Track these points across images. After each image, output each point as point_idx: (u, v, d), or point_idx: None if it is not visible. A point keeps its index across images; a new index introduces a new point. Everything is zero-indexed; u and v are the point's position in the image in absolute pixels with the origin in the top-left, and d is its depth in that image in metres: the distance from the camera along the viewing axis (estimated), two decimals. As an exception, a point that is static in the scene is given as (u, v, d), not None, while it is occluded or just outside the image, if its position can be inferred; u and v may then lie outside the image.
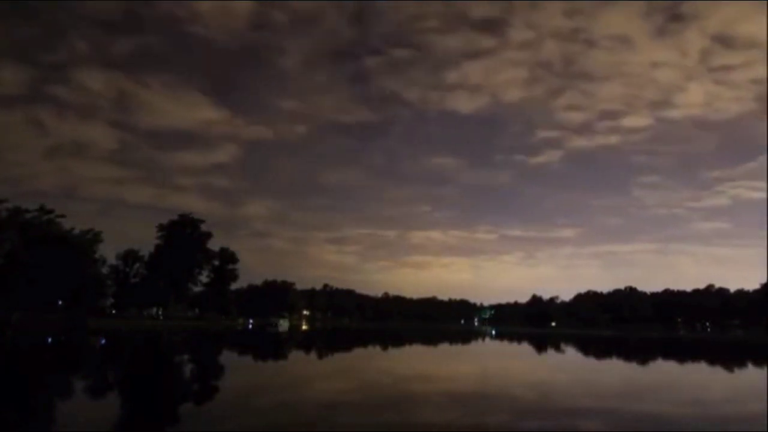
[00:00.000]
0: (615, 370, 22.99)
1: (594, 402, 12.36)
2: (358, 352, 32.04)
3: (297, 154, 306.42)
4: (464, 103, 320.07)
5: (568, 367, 24.21)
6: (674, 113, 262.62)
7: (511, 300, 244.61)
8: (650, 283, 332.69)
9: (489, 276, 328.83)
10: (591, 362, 28.14)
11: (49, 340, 34.62)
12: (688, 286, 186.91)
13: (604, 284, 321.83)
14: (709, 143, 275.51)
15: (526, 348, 41.47)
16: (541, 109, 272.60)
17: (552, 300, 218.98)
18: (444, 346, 40.95)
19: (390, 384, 15.44)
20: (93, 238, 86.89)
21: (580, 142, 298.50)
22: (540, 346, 42.91)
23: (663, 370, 24.06)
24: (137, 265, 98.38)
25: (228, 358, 26.61)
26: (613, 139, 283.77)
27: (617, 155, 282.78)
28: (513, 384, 16.48)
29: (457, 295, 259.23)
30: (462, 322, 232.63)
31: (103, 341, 35.82)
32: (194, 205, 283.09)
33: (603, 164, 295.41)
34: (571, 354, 35.08)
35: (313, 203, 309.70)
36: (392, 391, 13.70)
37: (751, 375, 21.14)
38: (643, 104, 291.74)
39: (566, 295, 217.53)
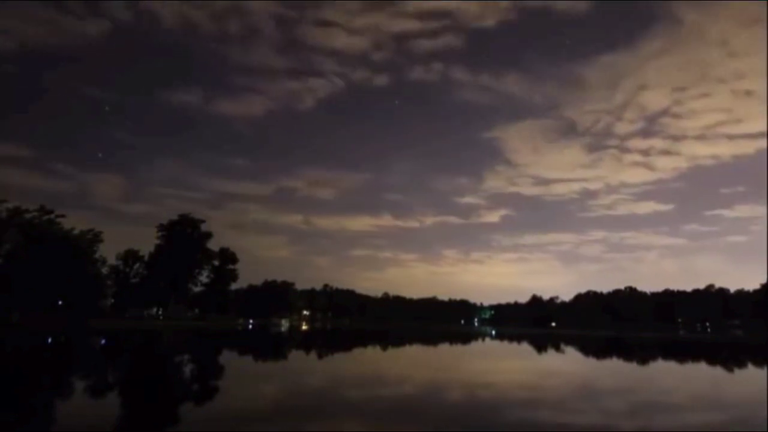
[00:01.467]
0: (603, 373, 23.00)
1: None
2: (357, 353, 32.04)
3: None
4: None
5: (558, 368, 24.24)
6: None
7: (511, 300, 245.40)
8: (650, 283, 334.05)
9: (489, 276, 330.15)
10: (582, 365, 28.15)
11: (50, 340, 34.64)
12: (688, 286, 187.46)
13: (604, 284, 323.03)
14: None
15: (525, 348, 41.45)
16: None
17: (552, 300, 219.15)
18: (444, 347, 40.95)
19: (402, 384, 15.46)
20: (93, 238, 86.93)
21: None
22: (539, 347, 42.90)
23: (650, 369, 24.07)
24: (137, 265, 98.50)
25: (228, 357, 26.61)
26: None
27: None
28: (511, 386, 16.50)
29: (457, 295, 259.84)
30: (462, 322, 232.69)
31: (103, 341, 35.84)
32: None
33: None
34: (569, 355, 35.09)
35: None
36: (408, 392, 13.73)
37: (740, 378, 21.09)
38: None
39: (566, 295, 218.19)
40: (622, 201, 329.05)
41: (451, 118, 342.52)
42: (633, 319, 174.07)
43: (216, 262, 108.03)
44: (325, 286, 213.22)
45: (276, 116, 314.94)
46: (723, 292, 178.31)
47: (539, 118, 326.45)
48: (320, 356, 27.80)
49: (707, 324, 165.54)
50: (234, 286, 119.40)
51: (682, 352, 39.57)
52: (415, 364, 23.34)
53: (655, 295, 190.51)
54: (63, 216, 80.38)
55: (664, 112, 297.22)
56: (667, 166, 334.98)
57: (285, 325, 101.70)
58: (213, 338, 45.37)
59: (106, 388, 13.60)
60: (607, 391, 15.01)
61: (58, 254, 71.43)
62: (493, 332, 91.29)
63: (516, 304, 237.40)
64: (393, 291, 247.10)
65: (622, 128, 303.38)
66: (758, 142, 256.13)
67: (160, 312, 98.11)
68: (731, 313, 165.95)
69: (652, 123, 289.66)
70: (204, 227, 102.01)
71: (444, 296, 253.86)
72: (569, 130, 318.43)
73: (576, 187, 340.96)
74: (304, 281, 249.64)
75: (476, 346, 44.05)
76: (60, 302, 76.59)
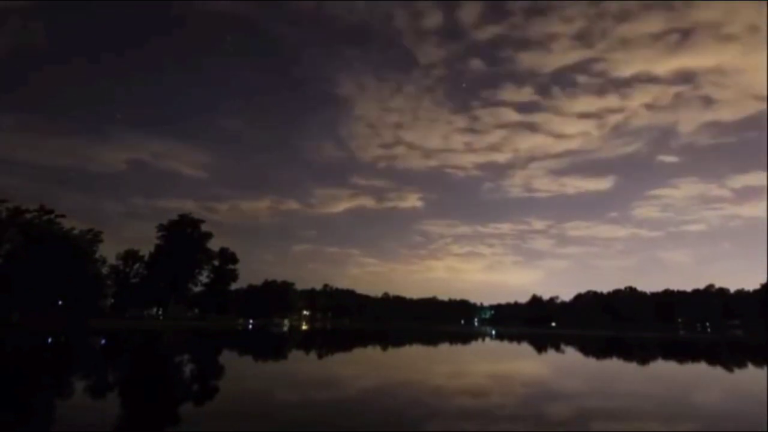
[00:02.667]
0: (599, 373, 22.99)
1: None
2: (357, 353, 32.06)
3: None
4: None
5: (551, 369, 24.25)
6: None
7: (511, 300, 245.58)
8: (650, 283, 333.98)
9: (489, 276, 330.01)
10: (580, 366, 28.16)
11: (50, 340, 34.65)
12: (688, 286, 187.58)
13: (604, 284, 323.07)
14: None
15: (521, 349, 41.45)
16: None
17: (552, 300, 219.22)
18: (444, 347, 40.96)
19: (398, 383, 15.48)
20: (93, 238, 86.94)
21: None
22: (538, 347, 42.91)
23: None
24: (137, 265, 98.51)
25: (228, 358, 26.63)
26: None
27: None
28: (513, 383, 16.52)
29: (457, 295, 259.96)
30: (462, 322, 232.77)
31: (103, 341, 35.85)
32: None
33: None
34: (569, 355, 35.11)
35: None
36: (402, 389, 13.75)
37: (731, 380, 21.07)
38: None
39: (566, 295, 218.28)
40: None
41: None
42: (633, 319, 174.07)
43: (216, 262, 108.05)
44: (325, 286, 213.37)
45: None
46: (723, 292, 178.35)
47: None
48: (320, 356, 27.83)
49: (707, 324, 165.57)
50: (234, 286, 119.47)
51: (680, 353, 39.57)
52: (411, 367, 23.33)
53: (655, 295, 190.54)
54: (63, 216, 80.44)
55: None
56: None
57: (285, 325, 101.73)
58: (213, 338, 45.39)
59: (106, 388, 13.61)
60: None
61: (58, 254, 71.43)
62: (493, 332, 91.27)
63: (516, 304, 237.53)
64: (393, 291, 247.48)
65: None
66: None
67: (160, 312, 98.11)
68: (731, 313, 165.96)
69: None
70: (204, 227, 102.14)
71: (444, 296, 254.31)
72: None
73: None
74: (304, 281, 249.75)
75: (475, 346, 44.06)
76: (60, 302, 76.58)
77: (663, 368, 25.01)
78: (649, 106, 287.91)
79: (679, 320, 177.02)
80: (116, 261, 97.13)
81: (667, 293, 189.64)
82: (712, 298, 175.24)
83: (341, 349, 35.00)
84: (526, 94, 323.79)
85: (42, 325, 55.00)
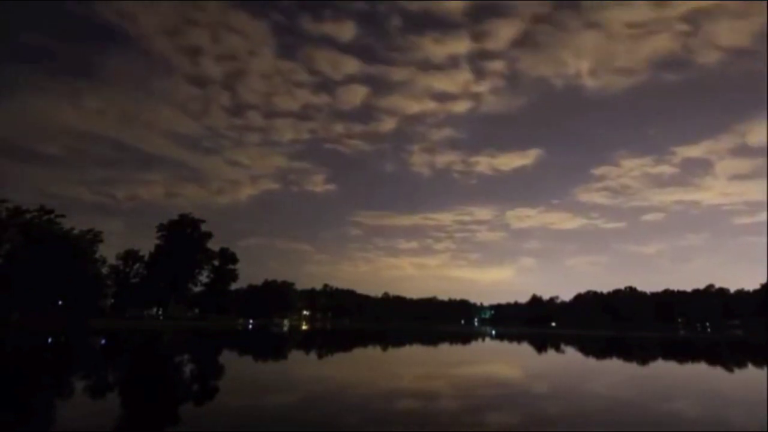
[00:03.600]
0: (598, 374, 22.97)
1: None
2: (357, 353, 32.07)
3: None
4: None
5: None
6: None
7: (511, 300, 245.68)
8: (650, 283, 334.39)
9: (489, 276, 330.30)
10: (578, 366, 28.12)
11: (50, 340, 34.66)
12: (688, 286, 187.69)
13: (604, 284, 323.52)
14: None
15: (520, 348, 41.47)
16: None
17: (552, 300, 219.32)
18: (442, 347, 40.98)
19: (399, 382, 15.49)
20: (93, 238, 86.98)
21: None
22: (538, 347, 42.93)
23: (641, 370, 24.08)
24: (137, 265, 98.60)
25: (228, 358, 26.63)
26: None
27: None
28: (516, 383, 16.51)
29: (457, 295, 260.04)
30: (462, 322, 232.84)
31: (103, 341, 35.86)
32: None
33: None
34: (562, 355, 35.11)
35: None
36: (402, 389, 13.76)
37: (721, 381, 21.04)
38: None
39: (566, 295, 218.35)
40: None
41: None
42: (633, 319, 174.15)
43: (216, 262, 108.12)
44: (325, 286, 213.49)
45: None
46: (723, 292, 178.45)
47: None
48: (320, 356, 27.84)
49: (707, 324, 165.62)
50: (234, 286, 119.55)
51: (679, 353, 39.57)
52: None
53: (655, 295, 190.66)
54: (63, 216, 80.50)
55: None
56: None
57: (285, 325, 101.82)
58: (213, 338, 45.40)
59: (106, 389, 13.62)
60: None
61: (58, 254, 71.49)
62: (493, 332, 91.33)
63: (516, 304, 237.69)
64: (393, 291, 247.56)
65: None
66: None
67: (160, 312, 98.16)
68: (731, 313, 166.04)
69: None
70: (204, 227, 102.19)
71: (444, 296, 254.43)
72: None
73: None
74: (304, 281, 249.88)
75: (473, 347, 44.07)
76: (60, 302, 76.61)
77: (652, 369, 25.00)
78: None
79: (679, 320, 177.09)
80: (116, 261, 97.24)
81: (667, 293, 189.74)
82: (712, 298, 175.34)
83: (335, 350, 35.01)
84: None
85: (42, 325, 55.02)
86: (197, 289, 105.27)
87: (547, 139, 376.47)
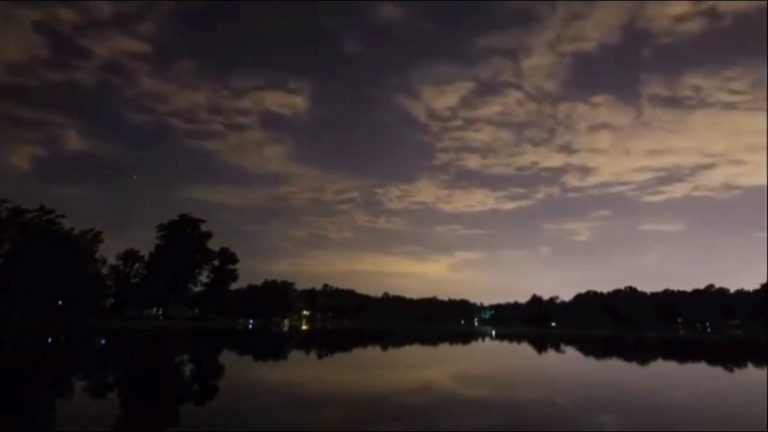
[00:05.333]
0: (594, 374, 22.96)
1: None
2: (357, 353, 32.08)
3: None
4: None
5: (539, 370, 24.22)
6: None
7: (511, 300, 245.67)
8: (650, 283, 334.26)
9: (489, 276, 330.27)
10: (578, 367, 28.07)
11: (50, 340, 34.67)
12: (688, 286, 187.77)
13: (604, 284, 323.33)
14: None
15: (517, 349, 41.49)
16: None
17: (552, 300, 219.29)
18: (444, 347, 40.98)
19: (398, 384, 15.50)
20: (93, 238, 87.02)
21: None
22: (539, 347, 42.93)
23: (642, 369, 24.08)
24: (137, 265, 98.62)
25: (228, 358, 26.64)
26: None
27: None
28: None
29: (457, 295, 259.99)
30: (462, 322, 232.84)
31: (103, 341, 35.87)
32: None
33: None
34: (569, 355, 35.10)
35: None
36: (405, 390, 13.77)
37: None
38: None
39: (566, 295, 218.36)
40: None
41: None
42: (633, 319, 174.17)
43: (216, 262, 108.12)
44: (325, 286, 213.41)
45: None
46: (723, 292, 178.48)
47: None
48: (320, 356, 27.85)
49: (707, 324, 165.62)
50: (234, 286, 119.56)
51: (677, 352, 39.56)
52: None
53: (655, 295, 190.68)
54: (63, 216, 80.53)
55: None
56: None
57: (285, 325, 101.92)
58: (213, 338, 45.41)
59: (106, 389, 13.62)
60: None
61: (58, 254, 71.49)
62: (493, 332, 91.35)
63: (516, 304, 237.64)
64: (393, 291, 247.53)
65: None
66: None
67: (160, 312, 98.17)
68: (731, 313, 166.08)
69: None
70: (204, 227, 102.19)
71: (444, 296, 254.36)
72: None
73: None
74: (304, 281, 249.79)
75: (475, 346, 44.08)
76: (60, 302, 76.64)
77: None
78: None
79: (679, 320, 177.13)
80: (116, 261, 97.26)
81: (667, 293, 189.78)
82: (712, 298, 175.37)
83: (331, 351, 35.01)
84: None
85: (42, 325, 55.03)
86: (197, 289, 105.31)
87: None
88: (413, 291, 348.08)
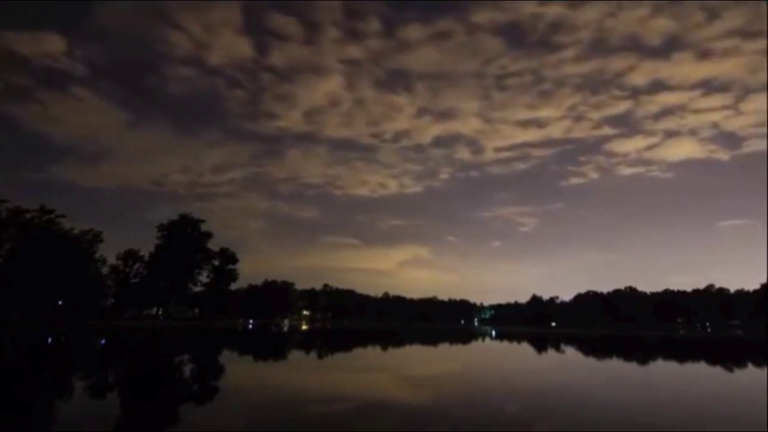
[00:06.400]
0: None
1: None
2: (358, 353, 32.10)
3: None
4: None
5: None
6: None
7: (511, 300, 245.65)
8: (650, 283, 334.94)
9: (489, 276, 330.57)
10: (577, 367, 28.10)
11: (50, 340, 34.68)
12: (688, 286, 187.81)
13: (604, 284, 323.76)
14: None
15: (516, 349, 41.52)
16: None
17: (552, 300, 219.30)
18: (444, 347, 41.00)
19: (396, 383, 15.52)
20: (93, 238, 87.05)
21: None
22: (539, 347, 42.96)
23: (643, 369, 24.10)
24: (137, 265, 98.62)
25: (228, 358, 26.66)
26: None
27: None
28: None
29: (457, 295, 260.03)
30: (462, 322, 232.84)
31: (103, 341, 35.88)
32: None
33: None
34: (569, 355, 35.12)
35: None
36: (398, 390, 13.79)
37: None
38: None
39: (566, 295, 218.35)
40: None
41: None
42: (633, 319, 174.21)
43: (216, 262, 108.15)
44: (325, 286, 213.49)
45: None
46: (723, 292, 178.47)
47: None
48: (320, 356, 27.88)
49: (707, 324, 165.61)
50: (234, 286, 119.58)
51: (676, 352, 39.57)
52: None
53: (655, 294, 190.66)
54: (63, 216, 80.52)
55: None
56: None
57: (285, 325, 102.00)
58: (213, 338, 45.43)
59: (106, 388, 13.64)
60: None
61: (58, 254, 71.51)
62: (493, 332, 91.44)
63: (516, 304, 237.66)
64: (393, 291, 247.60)
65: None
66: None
67: (160, 312, 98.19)
68: (731, 313, 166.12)
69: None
70: (204, 227, 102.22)
71: (444, 296, 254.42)
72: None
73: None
74: (304, 281, 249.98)
75: (475, 346, 44.09)
76: (60, 302, 76.66)
77: (623, 368, 24.98)
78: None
79: (679, 320, 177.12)
80: (116, 261, 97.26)
81: (667, 293, 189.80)
82: (712, 298, 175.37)
83: (340, 349, 35.02)
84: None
85: (42, 325, 55.04)
86: (197, 289, 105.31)
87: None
88: (413, 291, 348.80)
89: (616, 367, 25.12)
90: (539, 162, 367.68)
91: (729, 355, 36.25)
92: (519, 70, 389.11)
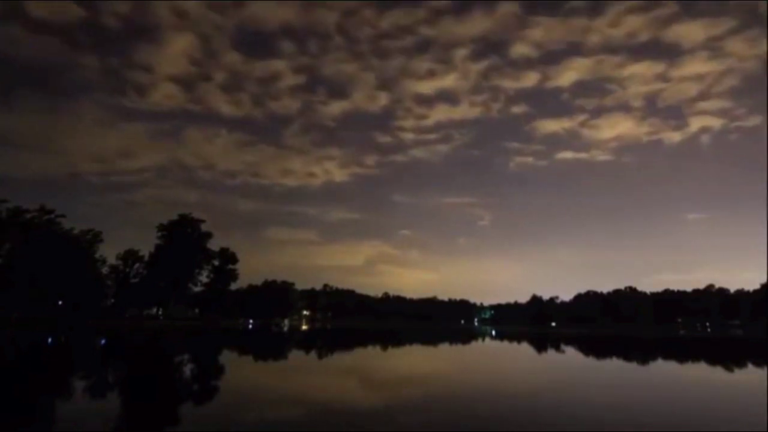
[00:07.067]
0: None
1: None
2: (358, 352, 32.08)
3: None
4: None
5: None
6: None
7: (511, 300, 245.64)
8: (650, 283, 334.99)
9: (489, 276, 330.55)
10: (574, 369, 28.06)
11: (50, 339, 34.67)
12: (688, 286, 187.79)
13: (604, 284, 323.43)
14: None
15: (525, 348, 41.51)
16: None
17: (552, 300, 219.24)
18: (444, 347, 40.98)
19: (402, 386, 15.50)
20: (93, 238, 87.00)
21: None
22: (539, 347, 42.94)
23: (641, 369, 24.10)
24: (137, 265, 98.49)
25: (228, 357, 26.65)
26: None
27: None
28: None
29: (457, 295, 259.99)
30: (462, 322, 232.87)
31: (103, 341, 35.87)
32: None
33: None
34: (569, 355, 35.10)
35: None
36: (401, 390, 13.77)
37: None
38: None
39: (566, 295, 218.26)
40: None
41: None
42: (633, 319, 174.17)
43: (216, 262, 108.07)
44: (325, 286, 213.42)
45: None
46: (723, 292, 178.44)
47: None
48: (320, 356, 27.87)
49: (707, 324, 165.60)
50: (234, 286, 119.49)
51: (676, 352, 39.57)
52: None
53: (655, 295, 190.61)
54: (63, 216, 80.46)
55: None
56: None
57: (285, 324, 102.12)
58: (213, 338, 45.41)
59: (106, 388, 13.62)
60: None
61: (58, 254, 71.46)
62: (493, 332, 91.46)
63: (516, 304, 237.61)
64: (393, 291, 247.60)
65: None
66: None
67: (160, 312, 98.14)
68: (731, 313, 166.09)
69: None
70: (204, 227, 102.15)
71: (444, 296, 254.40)
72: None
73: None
74: (304, 281, 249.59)
75: (475, 346, 44.07)
76: (60, 302, 76.62)
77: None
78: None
79: (679, 320, 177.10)
80: (116, 261, 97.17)
81: (667, 293, 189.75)
82: (712, 298, 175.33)
83: (340, 349, 35.00)
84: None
85: (42, 324, 55.03)
86: (197, 289, 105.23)
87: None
88: (413, 291, 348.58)
89: (616, 367, 25.12)
90: (463, 143, 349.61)
91: (729, 355, 36.25)
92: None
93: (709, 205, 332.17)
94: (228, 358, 26.48)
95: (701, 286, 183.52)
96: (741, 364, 27.74)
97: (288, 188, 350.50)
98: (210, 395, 13.04)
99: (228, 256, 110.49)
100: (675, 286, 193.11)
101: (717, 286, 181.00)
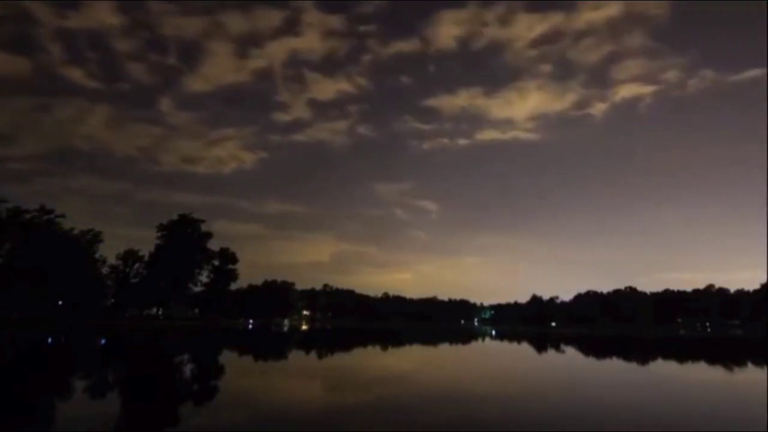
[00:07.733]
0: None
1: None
2: (357, 352, 32.07)
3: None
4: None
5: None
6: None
7: (511, 300, 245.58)
8: (650, 283, 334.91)
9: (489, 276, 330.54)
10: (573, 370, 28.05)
11: (50, 339, 34.67)
12: (688, 286, 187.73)
13: (604, 284, 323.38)
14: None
15: (525, 348, 41.52)
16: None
17: (552, 300, 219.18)
18: (444, 347, 40.99)
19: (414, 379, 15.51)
20: (93, 238, 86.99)
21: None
22: (539, 347, 42.95)
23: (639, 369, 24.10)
24: (137, 265, 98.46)
25: (228, 357, 26.66)
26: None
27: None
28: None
29: (457, 295, 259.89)
30: (462, 322, 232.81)
31: (103, 341, 35.87)
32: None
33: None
34: (568, 355, 35.12)
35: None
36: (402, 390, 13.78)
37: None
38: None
39: (566, 295, 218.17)
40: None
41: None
42: (633, 319, 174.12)
43: (216, 262, 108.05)
44: (325, 286, 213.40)
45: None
46: (723, 292, 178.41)
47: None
48: (320, 357, 27.87)
49: (707, 324, 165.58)
50: (234, 286, 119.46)
51: (676, 352, 39.58)
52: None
53: (655, 294, 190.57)
54: (63, 216, 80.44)
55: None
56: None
57: (285, 324, 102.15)
58: (213, 338, 45.41)
59: (106, 388, 13.63)
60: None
61: (58, 254, 71.45)
62: (493, 332, 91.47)
63: (516, 304, 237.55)
64: (393, 291, 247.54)
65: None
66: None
67: (160, 312, 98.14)
68: (731, 313, 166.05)
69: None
70: (204, 227, 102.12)
71: (444, 296, 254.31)
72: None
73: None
74: (304, 281, 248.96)
75: (475, 346, 44.07)
76: (60, 302, 76.61)
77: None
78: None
79: (679, 320, 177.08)
80: (116, 261, 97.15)
81: (667, 293, 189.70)
82: (712, 298, 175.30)
83: (339, 349, 35.00)
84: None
85: (42, 324, 55.04)
86: (197, 289, 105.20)
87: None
88: (413, 291, 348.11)
89: (616, 367, 25.13)
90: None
91: (729, 355, 36.26)
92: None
93: (709, 204, 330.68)
94: (228, 358, 26.49)
95: (701, 286, 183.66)
96: (741, 364, 27.75)
97: (204, 176, 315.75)
98: (210, 395, 13.04)
99: (228, 256, 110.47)
100: (675, 286, 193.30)
101: (717, 286, 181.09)
